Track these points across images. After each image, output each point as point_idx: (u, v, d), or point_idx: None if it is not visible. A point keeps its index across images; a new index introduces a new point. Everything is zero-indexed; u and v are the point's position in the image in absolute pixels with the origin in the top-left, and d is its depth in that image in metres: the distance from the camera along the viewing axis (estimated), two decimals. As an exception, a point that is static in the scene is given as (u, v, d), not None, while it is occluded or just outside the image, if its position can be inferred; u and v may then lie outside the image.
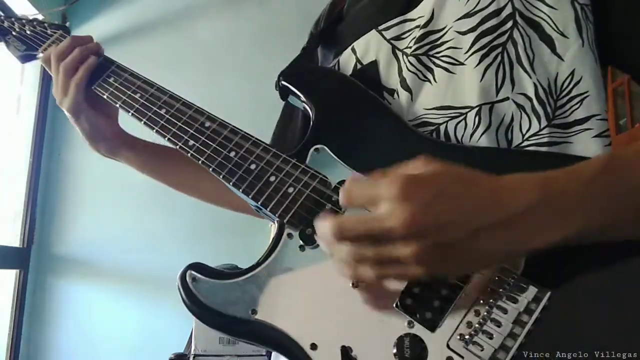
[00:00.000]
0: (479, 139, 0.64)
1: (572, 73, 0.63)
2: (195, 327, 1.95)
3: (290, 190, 0.66)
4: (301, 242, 0.64)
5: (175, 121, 0.77)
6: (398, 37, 0.71)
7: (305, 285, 0.62)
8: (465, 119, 0.65)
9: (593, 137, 0.62)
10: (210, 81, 2.57)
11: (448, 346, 0.54)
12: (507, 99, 0.64)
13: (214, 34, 2.68)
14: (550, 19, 0.64)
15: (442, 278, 0.55)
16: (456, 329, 0.55)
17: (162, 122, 0.78)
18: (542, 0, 0.64)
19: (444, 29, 0.67)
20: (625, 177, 0.49)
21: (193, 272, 0.66)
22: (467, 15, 0.66)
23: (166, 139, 0.77)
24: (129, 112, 0.81)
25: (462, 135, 0.65)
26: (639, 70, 0.66)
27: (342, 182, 0.64)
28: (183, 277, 0.66)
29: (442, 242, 0.45)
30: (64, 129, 2.71)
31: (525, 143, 0.63)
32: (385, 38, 0.72)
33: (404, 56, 0.70)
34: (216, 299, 0.64)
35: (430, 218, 0.45)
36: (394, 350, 0.55)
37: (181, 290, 0.66)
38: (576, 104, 0.63)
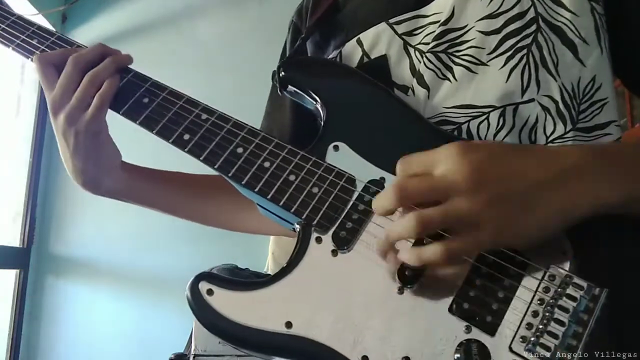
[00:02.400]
0: (502, 140, 0.64)
1: (594, 79, 0.64)
2: (195, 327, 1.95)
3: (315, 190, 0.61)
4: (333, 247, 0.59)
5: (164, 112, 0.69)
6: (410, 33, 0.69)
7: (342, 294, 0.57)
8: (487, 118, 0.64)
9: (613, 142, 0.65)
10: (210, 81, 2.57)
11: (511, 349, 0.52)
12: (533, 100, 0.64)
13: (214, 34, 2.68)
14: (573, 24, 0.64)
15: (509, 245, 0.53)
16: (517, 331, 0.52)
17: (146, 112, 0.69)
18: (563, 7, 0.64)
19: (464, 27, 0.66)
20: None
21: (207, 284, 0.58)
22: (491, 16, 0.65)
23: (154, 132, 0.68)
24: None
25: (485, 136, 0.64)
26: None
27: (372, 181, 0.61)
28: (196, 291, 0.58)
29: (504, 193, 0.47)
30: (64, 129, 2.71)
31: (550, 145, 0.63)
32: (396, 32, 0.70)
33: (416, 52, 0.69)
34: (242, 313, 0.56)
35: (491, 170, 0.47)
36: (457, 356, 0.51)
37: (196, 306, 0.57)
38: (597, 109, 0.64)
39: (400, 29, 0.70)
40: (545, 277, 0.53)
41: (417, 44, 0.69)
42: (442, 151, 0.49)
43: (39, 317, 2.55)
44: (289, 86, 0.71)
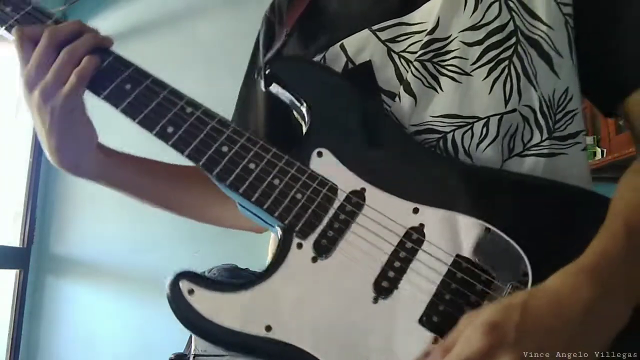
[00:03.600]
0: (485, 149, 0.65)
1: (566, 90, 0.67)
2: (195, 327, 1.95)
3: (299, 196, 0.62)
4: (313, 254, 0.60)
5: (147, 102, 0.66)
6: (393, 40, 0.70)
7: (321, 299, 0.58)
8: (472, 128, 0.65)
9: (581, 150, 0.68)
10: (210, 81, 2.57)
11: None
12: (515, 110, 0.65)
13: (214, 34, 2.69)
14: (549, 37, 0.66)
15: None
16: None
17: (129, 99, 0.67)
18: (540, 20, 0.66)
19: (448, 37, 0.67)
20: None
21: (189, 283, 0.58)
22: (473, 28, 0.66)
23: (136, 121, 0.66)
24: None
25: (469, 144, 0.65)
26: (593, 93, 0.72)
27: (354, 192, 0.62)
28: (176, 289, 0.58)
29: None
30: (64, 129, 2.71)
31: (526, 153, 0.65)
32: (380, 39, 0.70)
33: (402, 59, 0.69)
34: (223, 314, 0.57)
35: (530, 355, 0.45)
36: None
37: (175, 304, 0.58)
38: (569, 119, 0.67)
39: (384, 35, 0.70)
40: (508, 293, 0.56)
41: (402, 51, 0.70)
42: (469, 350, 0.46)
43: (39, 317, 2.55)
44: (274, 84, 0.71)
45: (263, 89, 0.72)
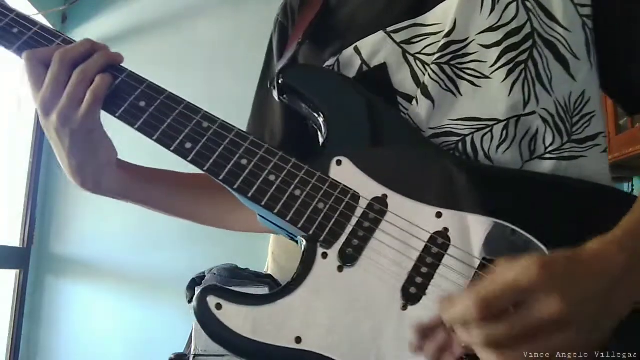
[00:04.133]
0: (505, 152, 0.65)
1: (583, 93, 0.66)
2: (195, 327, 1.95)
3: (321, 206, 0.62)
4: (339, 262, 0.60)
5: (163, 118, 0.66)
6: (409, 41, 0.69)
7: (349, 309, 0.58)
8: (491, 131, 0.65)
9: (601, 152, 0.68)
10: (210, 81, 2.57)
11: None
12: (534, 112, 0.65)
13: (214, 34, 2.69)
14: (566, 40, 0.65)
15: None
16: None
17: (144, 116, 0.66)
18: (557, 22, 0.66)
19: (466, 39, 0.67)
20: None
21: (216, 298, 0.58)
22: (491, 29, 0.66)
23: (153, 138, 0.65)
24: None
25: (489, 147, 0.65)
26: (622, 90, 0.72)
27: (375, 199, 0.62)
28: (204, 305, 0.58)
29: (587, 316, 0.47)
30: (64, 129, 2.71)
31: (547, 156, 0.65)
32: (395, 41, 0.70)
33: (417, 62, 0.69)
34: (252, 328, 0.57)
35: (574, 300, 0.46)
36: None
37: (205, 321, 0.58)
38: (586, 122, 0.67)
39: (399, 37, 0.70)
40: None
41: (417, 53, 0.69)
42: (524, 283, 0.46)
43: (39, 317, 2.55)
44: (288, 94, 0.71)
45: (276, 99, 0.72)
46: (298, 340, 0.57)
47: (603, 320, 0.48)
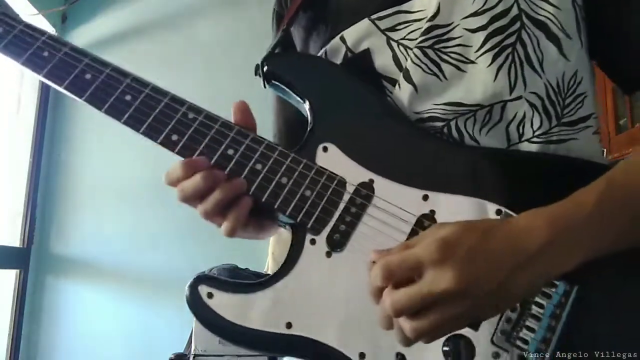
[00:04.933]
0: (489, 134, 0.65)
1: (575, 73, 0.66)
2: (195, 327, 1.95)
3: (308, 193, 0.63)
4: (327, 248, 0.61)
5: (148, 111, 0.65)
6: (393, 28, 0.69)
7: (338, 293, 0.59)
8: (474, 115, 0.65)
9: (593, 133, 0.67)
10: (210, 81, 2.57)
11: (492, 342, 0.56)
12: (520, 97, 0.64)
13: (213, 34, 2.68)
14: (556, 18, 0.65)
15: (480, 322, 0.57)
16: (497, 325, 0.56)
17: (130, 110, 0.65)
18: (546, 1, 0.65)
19: (450, 24, 0.66)
20: (622, 202, 0.54)
21: (207, 287, 0.60)
22: (476, 14, 0.66)
23: (140, 131, 0.65)
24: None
25: (473, 130, 0.65)
26: (617, 70, 0.71)
27: (362, 184, 0.63)
28: (196, 294, 0.59)
29: (483, 293, 0.48)
30: (64, 129, 2.71)
31: (535, 140, 0.65)
32: (379, 28, 0.70)
33: (400, 46, 0.69)
34: (243, 315, 0.58)
35: (470, 277, 0.48)
36: (445, 349, 0.54)
37: (196, 309, 0.59)
38: (579, 103, 0.66)
39: (383, 24, 0.70)
40: None
41: (401, 39, 0.69)
42: (423, 258, 0.49)
43: (39, 317, 2.55)
44: (273, 81, 0.71)
45: (263, 87, 0.72)
46: (289, 325, 0.58)
47: (503, 295, 0.49)
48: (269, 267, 2.11)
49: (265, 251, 2.15)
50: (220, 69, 2.61)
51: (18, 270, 2.51)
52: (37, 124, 2.65)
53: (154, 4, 2.77)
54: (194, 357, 1.93)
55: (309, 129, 0.68)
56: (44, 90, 2.67)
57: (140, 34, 2.75)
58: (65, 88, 0.68)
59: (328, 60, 0.72)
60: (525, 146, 0.65)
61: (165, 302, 2.43)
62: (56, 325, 2.55)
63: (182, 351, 2.07)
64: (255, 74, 0.73)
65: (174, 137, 0.65)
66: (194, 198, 0.63)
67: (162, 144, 0.65)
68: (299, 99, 0.69)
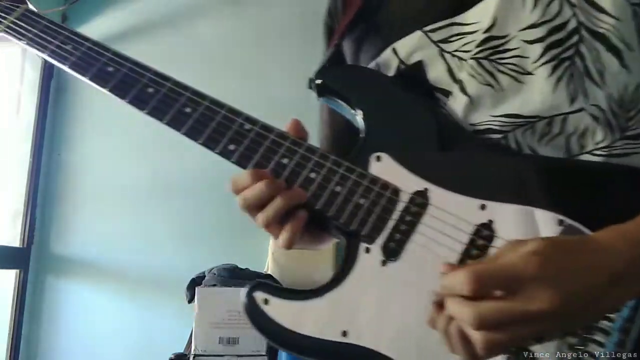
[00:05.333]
0: (547, 145, 0.64)
1: (638, 86, 0.64)
2: (195, 327, 1.95)
3: (362, 201, 0.63)
4: (382, 257, 0.61)
5: (207, 122, 0.69)
6: (445, 40, 0.69)
7: (393, 302, 0.59)
8: (532, 127, 0.64)
9: None
10: (210, 81, 2.56)
11: (558, 355, 0.54)
12: (582, 109, 0.63)
13: (214, 34, 2.68)
14: (617, 30, 0.63)
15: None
16: (564, 339, 0.54)
17: (190, 123, 0.69)
18: (605, 12, 0.64)
19: (507, 36, 0.66)
20: None
21: (263, 293, 0.60)
22: (534, 26, 0.65)
23: (199, 142, 0.68)
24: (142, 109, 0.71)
25: (531, 142, 0.64)
26: None
27: (417, 192, 0.62)
28: (252, 301, 0.60)
29: (575, 312, 0.48)
30: (64, 129, 2.71)
31: (597, 152, 0.63)
32: (432, 40, 0.69)
33: (454, 58, 0.68)
34: (298, 322, 0.59)
35: (568, 297, 0.47)
36: None
37: (253, 315, 0.60)
38: None
39: (436, 36, 0.69)
40: None
41: (454, 51, 0.68)
42: (521, 272, 0.47)
43: (39, 317, 2.55)
44: (326, 94, 0.72)
45: (316, 100, 0.73)
46: (344, 333, 0.58)
47: (590, 313, 0.49)
48: (269, 267, 2.11)
49: (265, 251, 2.15)
50: (220, 68, 2.60)
51: (18, 270, 2.51)
52: (37, 124, 2.65)
53: (154, 4, 2.77)
54: (194, 357, 1.93)
55: (362, 138, 0.68)
56: (44, 90, 2.68)
57: (140, 34, 2.75)
58: (130, 102, 0.72)
59: (380, 72, 0.73)
60: (586, 159, 0.63)
61: (165, 302, 2.42)
62: (56, 325, 2.55)
63: (182, 351, 2.07)
64: (309, 87, 0.74)
65: (231, 147, 0.67)
66: (255, 206, 0.65)
67: (220, 153, 0.67)
68: (352, 110, 0.70)
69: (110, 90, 0.73)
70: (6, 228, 2.55)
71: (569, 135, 0.64)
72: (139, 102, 0.72)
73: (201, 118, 0.69)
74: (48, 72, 2.68)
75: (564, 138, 0.64)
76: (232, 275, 2.07)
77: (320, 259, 1.96)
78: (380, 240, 0.61)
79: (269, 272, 2.08)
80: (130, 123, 2.77)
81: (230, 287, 2.00)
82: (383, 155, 0.65)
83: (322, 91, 0.72)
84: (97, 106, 2.64)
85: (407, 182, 0.63)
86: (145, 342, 2.45)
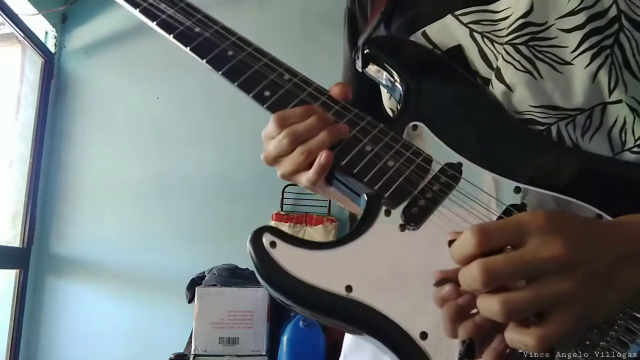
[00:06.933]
0: (590, 140, 0.62)
1: None
2: (195, 327, 1.95)
3: (391, 163, 0.61)
4: (402, 221, 0.58)
5: (251, 64, 0.70)
6: (477, 22, 0.67)
7: (406, 268, 0.56)
8: (574, 120, 0.63)
9: None
10: (210, 81, 2.57)
11: (576, 350, 0.50)
12: (621, 101, 0.62)
13: (214, 34, 2.68)
14: None
15: (593, 322, 0.50)
16: (584, 336, 0.50)
17: (231, 64, 0.71)
18: None
19: (544, 24, 0.64)
20: None
21: (271, 236, 0.57)
22: (572, 13, 0.63)
23: (235, 84, 0.69)
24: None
25: (574, 135, 0.63)
26: None
27: (449, 164, 0.60)
28: (258, 241, 0.57)
29: (592, 272, 0.45)
30: (64, 129, 2.71)
31: (636, 149, 0.61)
32: (462, 22, 0.68)
33: (485, 39, 0.67)
34: (302, 267, 0.56)
35: (579, 249, 0.44)
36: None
37: (256, 256, 0.57)
38: None
39: (466, 19, 0.68)
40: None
41: (486, 32, 0.67)
42: (529, 223, 0.45)
43: (39, 317, 2.55)
44: (371, 64, 0.71)
45: (360, 69, 0.73)
46: (348, 288, 0.55)
47: (607, 286, 0.45)
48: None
49: (265, 251, 2.15)
50: (220, 69, 2.61)
51: (18, 270, 2.51)
52: (37, 124, 2.65)
53: (154, 4, 2.77)
54: (194, 357, 1.93)
55: (400, 106, 0.67)
56: (44, 90, 2.68)
57: (140, 34, 2.74)
58: (175, 37, 0.79)
59: (430, 48, 0.71)
60: (626, 156, 0.62)
61: (165, 302, 2.43)
62: (56, 325, 2.55)
63: (182, 351, 2.07)
64: (354, 56, 0.73)
65: (267, 93, 0.68)
66: (303, 137, 0.63)
67: (255, 97, 0.68)
68: (392, 78, 0.69)
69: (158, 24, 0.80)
70: (6, 228, 2.55)
71: (610, 129, 0.62)
72: (182, 39, 0.79)
73: (242, 61, 0.70)
74: (48, 72, 2.69)
75: (606, 132, 0.62)
76: (232, 275, 2.07)
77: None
78: (402, 205, 0.59)
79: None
80: (131, 123, 2.78)
81: (230, 287, 2.01)
82: (420, 124, 0.64)
83: (367, 60, 0.71)
84: (97, 106, 2.64)
85: (441, 153, 0.61)
86: (145, 342, 2.46)
